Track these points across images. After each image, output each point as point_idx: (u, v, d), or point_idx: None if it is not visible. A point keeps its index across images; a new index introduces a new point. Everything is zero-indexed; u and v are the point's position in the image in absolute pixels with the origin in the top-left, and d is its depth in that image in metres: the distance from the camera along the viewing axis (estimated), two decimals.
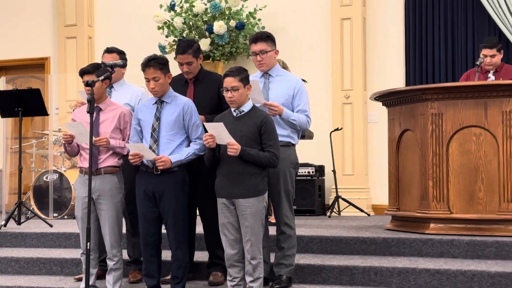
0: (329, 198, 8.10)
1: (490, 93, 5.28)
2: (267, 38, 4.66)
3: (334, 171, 7.82)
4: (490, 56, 6.06)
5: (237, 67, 4.38)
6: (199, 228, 4.98)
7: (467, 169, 5.31)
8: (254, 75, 4.74)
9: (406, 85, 8.02)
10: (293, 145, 4.76)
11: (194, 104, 4.66)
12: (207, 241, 4.95)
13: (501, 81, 5.48)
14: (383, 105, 6.09)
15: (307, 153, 7.73)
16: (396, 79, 8.09)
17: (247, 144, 4.25)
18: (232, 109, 4.38)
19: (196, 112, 4.62)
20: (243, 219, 4.28)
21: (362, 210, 7.72)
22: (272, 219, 5.26)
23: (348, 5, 8.13)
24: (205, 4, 8.32)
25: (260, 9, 8.27)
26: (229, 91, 4.30)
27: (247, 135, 4.28)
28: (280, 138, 4.47)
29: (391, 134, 5.92)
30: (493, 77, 6.12)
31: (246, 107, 4.36)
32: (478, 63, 6.00)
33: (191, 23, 8.35)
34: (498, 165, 5.20)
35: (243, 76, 4.30)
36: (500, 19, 7.69)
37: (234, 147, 4.20)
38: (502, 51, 6.21)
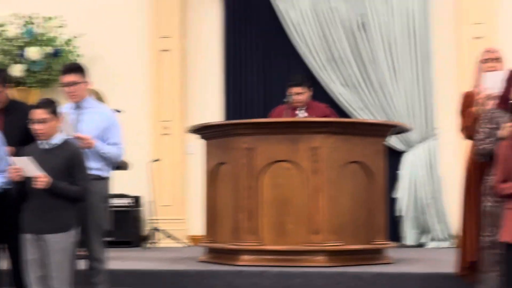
0: (146, 229, 8.04)
1: (300, 129, 5.53)
2: (78, 69, 4.60)
3: (151, 202, 7.80)
4: (298, 94, 6.33)
5: (46, 98, 4.26)
6: (5, 264, 4.73)
7: (277, 202, 5.50)
8: (65, 107, 4.64)
9: (226, 118, 8.19)
10: (106, 178, 4.69)
11: (3, 135, 4.45)
12: (15, 278, 4.71)
13: (309, 118, 5.77)
14: (201, 138, 6.18)
15: (124, 184, 7.57)
16: (215, 112, 8.24)
17: (56, 178, 4.12)
18: (42, 142, 4.24)
19: (3, 143, 4.42)
20: (51, 255, 4.13)
21: (179, 241, 7.74)
22: (83, 253, 5.13)
23: (167, 37, 8.19)
24: (20, 29, 8.03)
25: (76, 37, 8.11)
26: (38, 124, 4.16)
27: (57, 168, 4.15)
28: (91, 171, 4.41)
29: (207, 166, 6.01)
30: (303, 114, 6.39)
31: (56, 140, 4.23)
32: (286, 100, 6.26)
33: (4, 48, 8.01)
34: (305, 198, 5.44)
35: (52, 108, 4.18)
36: (309, 57, 8.10)
37: (42, 180, 4.06)
38: (311, 88, 6.52)
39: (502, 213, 3.97)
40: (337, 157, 5.49)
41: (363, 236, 5.57)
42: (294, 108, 6.35)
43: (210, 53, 8.40)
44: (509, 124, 4.11)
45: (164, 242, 7.79)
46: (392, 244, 6.02)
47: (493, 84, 4.45)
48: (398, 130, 6.13)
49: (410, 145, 7.89)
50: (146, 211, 8.07)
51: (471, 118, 4.66)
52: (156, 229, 7.74)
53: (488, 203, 4.33)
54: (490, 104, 4.44)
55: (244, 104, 8.29)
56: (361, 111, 7.99)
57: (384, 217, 5.75)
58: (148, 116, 8.28)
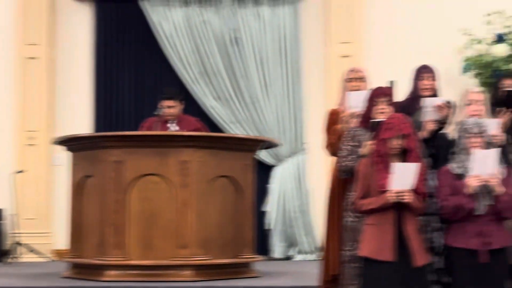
0: (8, 244, 7.70)
1: (169, 143, 5.49)
2: None
3: (14, 214, 7.50)
4: (170, 107, 6.29)
5: None
6: None
7: (146, 216, 5.43)
8: None
9: (96, 130, 8.02)
10: None
11: None
12: None
13: (178, 132, 5.75)
14: (67, 149, 6.01)
15: None
16: (84, 124, 8.06)
17: None
18: None
19: None
20: None
21: (42, 256, 7.48)
22: None
23: (33, 45, 7.93)
24: None
25: None
26: None
27: None
28: None
29: (74, 179, 5.85)
30: (175, 127, 6.35)
31: None
32: (157, 113, 6.20)
33: None
34: (174, 212, 5.40)
35: None
36: (182, 70, 8.09)
37: None
38: (183, 101, 6.48)
39: (362, 228, 4.11)
40: (206, 171, 5.49)
41: (231, 250, 5.60)
42: (165, 121, 6.30)
43: (80, 62, 8.21)
44: (369, 142, 4.26)
45: (27, 257, 7.51)
46: (259, 257, 6.09)
47: (356, 103, 4.59)
48: (268, 144, 6.22)
49: (279, 159, 8.03)
50: (8, 225, 7.74)
51: (335, 135, 4.79)
52: (19, 243, 7.47)
53: (349, 218, 4.46)
54: (353, 122, 4.58)
55: (114, 115, 8.15)
56: (233, 125, 8.06)
57: (252, 231, 5.81)
58: (12, 125, 7.96)
